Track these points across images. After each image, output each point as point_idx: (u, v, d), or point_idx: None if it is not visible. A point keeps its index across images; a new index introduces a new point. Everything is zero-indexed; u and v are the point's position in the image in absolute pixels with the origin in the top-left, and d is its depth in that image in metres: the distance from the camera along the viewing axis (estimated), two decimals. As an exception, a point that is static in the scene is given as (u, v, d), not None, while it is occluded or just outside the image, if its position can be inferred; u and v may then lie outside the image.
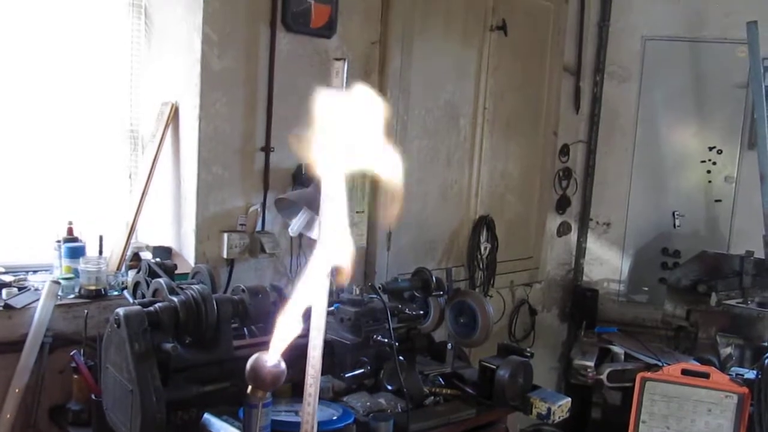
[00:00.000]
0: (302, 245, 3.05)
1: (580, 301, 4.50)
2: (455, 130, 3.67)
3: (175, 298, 2.06)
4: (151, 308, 1.99)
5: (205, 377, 2.07)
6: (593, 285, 4.59)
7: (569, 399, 2.66)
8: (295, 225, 2.69)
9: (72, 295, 2.54)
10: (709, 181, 4.43)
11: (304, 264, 3.07)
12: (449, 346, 2.84)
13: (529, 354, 2.71)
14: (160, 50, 2.92)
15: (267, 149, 2.91)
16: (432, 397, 2.61)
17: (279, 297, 2.29)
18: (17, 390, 2.28)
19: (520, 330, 4.31)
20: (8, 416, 2.26)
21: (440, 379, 2.75)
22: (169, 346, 1.93)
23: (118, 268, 2.72)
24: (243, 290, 2.23)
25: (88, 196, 2.92)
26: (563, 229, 4.57)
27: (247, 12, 2.79)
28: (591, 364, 3.43)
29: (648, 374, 3.06)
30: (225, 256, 2.82)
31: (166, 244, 2.90)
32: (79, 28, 2.81)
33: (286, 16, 2.87)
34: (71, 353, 2.25)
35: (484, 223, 3.86)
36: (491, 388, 2.60)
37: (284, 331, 1.00)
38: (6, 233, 2.75)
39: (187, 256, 2.83)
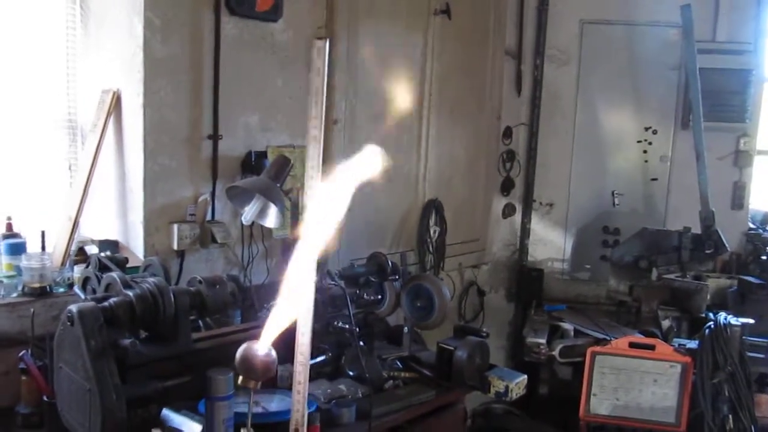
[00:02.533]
0: (253, 234, 3.00)
1: (526, 281, 4.60)
2: (402, 114, 3.67)
3: (130, 293, 1.99)
4: (106, 304, 1.93)
5: (164, 372, 2.02)
6: (538, 264, 4.70)
7: (525, 376, 2.72)
8: (249, 213, 2.64)
9: (15, 294, 2.42)
10: (646, 161, 4.58)
11: (256, 253, 3.03)
12: (406, 329, 2.86)
13: (485, 334, 2.75)
14: (98, 36, 2.80)
15: (215, 137, 2.84)
16: (391, 381, 2.63)
17: (237, 287, 2.25)
18: (-38, 395, 2.17)
19: (469, 311, 4.37)
20: (-48, 423, 2.15)
21: (398, 363, 2.77)
22: (127, 342, 1.87)
23: (63, 264, 2.62)
24: (200, 281, 2.17)
25: (27, 190, 2.79)
26: (508, 211, 4.65)
27: (189, -4, 2.70)
28: (543, 341, 3.52)
29: (598, 348, 3.17)
30: (175, 247, 2.75)
31: (111, 238, 2.80)
32: (13, 14, 2.66)
33: (231, 0, 2.80)
34: (20, 354, 2.15)
35: (433, 206, 3.89)
36: (450, 370, 2.63)
37: (276, 320, 0.97)
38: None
39: (135, 248, 2.74)
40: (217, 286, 2.18)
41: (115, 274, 2.08)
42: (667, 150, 4.56)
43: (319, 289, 2.41)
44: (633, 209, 4.60)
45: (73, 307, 1.87)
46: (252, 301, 2.57)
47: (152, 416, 1.99)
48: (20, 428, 2.16)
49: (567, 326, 3.59)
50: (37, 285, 2.44)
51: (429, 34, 3.73)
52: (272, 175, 2.67)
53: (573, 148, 4.65)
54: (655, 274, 3.67)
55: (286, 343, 2.27)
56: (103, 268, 2.32)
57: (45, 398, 2.07)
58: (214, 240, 2.82)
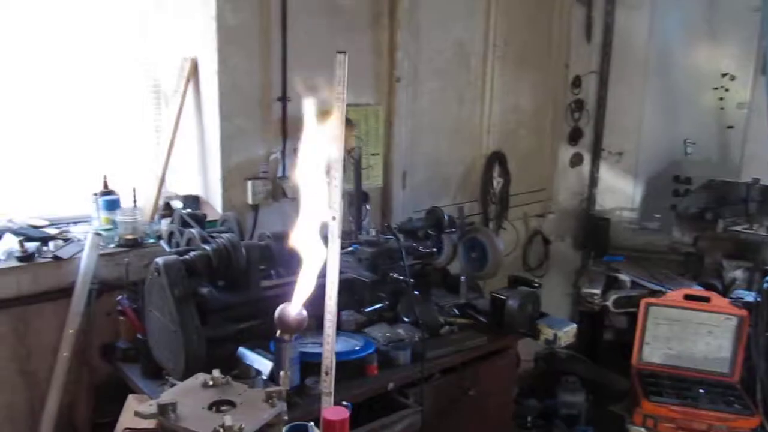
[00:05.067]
0: (322, 189, 3.21)
1: (592, 230, 4.65)
2: (466, 68, 3.75)
3: (207, 247, 2.25)
4: (187, 257, 2.20)
5: (238, 316, 2.29)
6: (606, 214, 4.73)
7: (575, 325, 2.85)
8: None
9: (112, 245, 2.75)
10: (722, 108, 4.46)
11: (324, 206, 3.24)
12: (462, 279, 3.03)
13: (536, 285, 2.89)
14: (178, 8, 3.02)
15: (284, 99, 3.04)
16: (447, 327, 2.82)
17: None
18: (71, 331, 2.52)
19: (533, 259, 4.49)
20: (65, 354, 2.52)
21: (455, 310, 2.95)
22: (205, 290, 2.14)
23: (152, 218, 2.92)
24: (268, 236, 2.42)
25: (120, 151, 3.09)
26: (576, 160, 4.68)
27: (257, -35, 2.87)
28: (598, 291, 3.61)
29: (651, 300, 3.24)
30: (250, 202, 3.00)
31: (194, 193, 3.09)
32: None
33: (296, -33, 2.95)
34: (117, 297, 2.48)
35: (496, 158, 3.99)
36: (502, 317, 2.80)
37: (302, 287, 1.18)
38: (46, 187, 2.94)
39: (215, 203, 3.02)
40: (284, 240, 2.41)
41: (194, 231, 2.35)
42: (744, 96, 4.42)
43: (375, 243, 2.61)
44: (706, 158, 4.52)
45: (160, 260, 2.16)
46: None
47: (229, 354, 2.27)
48: (120, 360, 2.51)
49: (623, 277, 3.66)
50: (130, 237, 2.76)
51: (494, -12, 3.76)
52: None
53: (644, 95, 4.58)
54: (720, 225, 3.65)
55: (345, 291, 2.50)
56: (184, 223, 2.61)
57: (139, 336, 2.39)
58: (285, 194, 3.05)
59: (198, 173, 3.10)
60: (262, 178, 3.03)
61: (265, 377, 2.30)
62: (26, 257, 2.54)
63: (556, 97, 4.39)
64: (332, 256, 1.22)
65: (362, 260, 2.59)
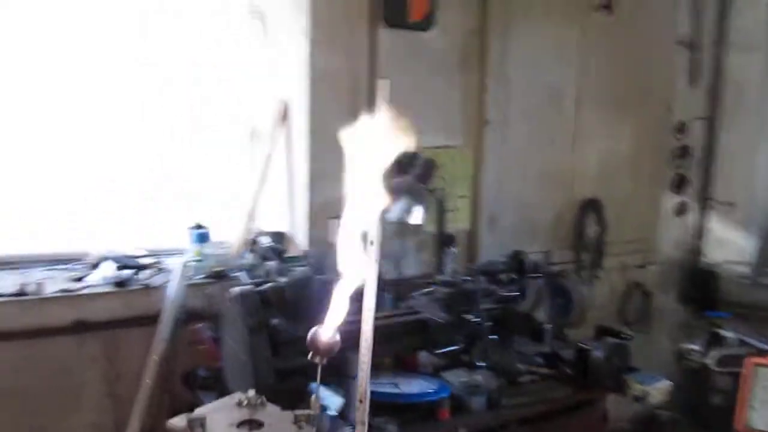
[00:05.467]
0: (406, 230, 3.22)
1: (699, 283, 4.35)
2: (558, 111, 3.68)
3: (282, 279, 2.30)
4: (262, 288, 2.25)
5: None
6: (714, 266, 4.42)
7: (668, 382, 2.66)
8: (395, 211, 2.85)
9: (200, 276, 2.86)
10: None
11: (408, 247, 3.24)
12: (546, 326, 2.91)
13: (626, 336, 2.73)
14: (275, 54, 3.18)
15: (370, 140, 3.09)
16: (527, 375, 2.71)
17: (379, 275, 2.47)
18: (155, 358, 2.63)
19: (632, 312, 4.24)
20: (148, 381, 2.62)
21: (538, 359, 2.83)
22: (276, 321, 2.17)
23: (240, 252, 3.03)
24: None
25: (216, 187, 3.25)
26: (680, 209, 4.43)
27: (348, 11, 2.97)
28: (699, 348, 3.36)
29: (760, 360, 2.96)
30: (332, 240, 3.04)
31: (281, 229, 3.18)
32: (205, 35, 3.11)
33: (386, 13, 3.03)
34: (197, 327, 2.57)
35: (591, 204, 3.85)
36: (586, 369, 2.66)
37: (336, 312, 1.17)
38: (148, 221, 3.12)
39: (300, 240, 3.09)
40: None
41: (272, 263, 2.41)
42: None
43: (452, 283, 2.57)
44: (829, 210, 4.16)
45: (236, 290, 2.22)
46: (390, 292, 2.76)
47: (299, 387, 2.28)
48: (199, 388, 2.57)
49: (728, 334, 3.38)
50: (217, 269, 2.87)
51: (588, 30, 3.69)
52: (418, 175, 2.86)
53: (758, 143, 4.30)
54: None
55: (419, 332, 2.47)
56: (266, 257, 2.68)
57: (216, 365, 2.46)
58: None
59: (286, 211, 3.19)
60: (346, 217, 3.07)
61: (333, 413, 2.30)
62: (120, 283, 2.70)
63: (657, 142, 4.20)
64: (370, 282, 1.20)
65: (437, 300, 2.55)
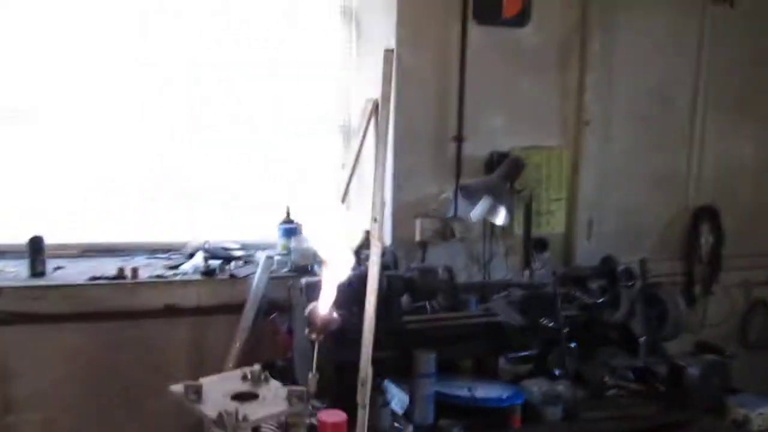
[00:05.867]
0: (494, 232, 3.13)
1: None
2: (669, 112, 3.43)
3: (350, 273, 2.30)
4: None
5: (374, 345, 2.28)
6: None
7: (775, 408, 2.38)
8: (477, 211, 2.78)
9: (285, 269, 2.93)
10: None
11: (498, 250, 3.14)
12: (641, 339, 2.71)
13: (728, 354, 2.48)
14: (365, 53, 3.22)
15: (459, 139, 3.04)
16: (615, 389, 2.54)
17: (449, 276, 2.42)
18: (237, 345, 2.72)
19: (754, 332, 3.85)
20: (230, 365, 2.71)
21: (628, 372, 2.64)
22: (339, 313, 2.17)
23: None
24: (414, 269, 2.40)
25: (309, 183, 3.32)
26: (818, 223, 3.96)
27: (438, 8, 2.94)
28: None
29: None
30: (417, 239, 3.02)
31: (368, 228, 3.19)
32: (300, 41, 3.20)
33: (477, 9, 2.97)
34: (271, 317, 2.63)
35: (707, 213, 3.55)
36: (681, 388, 2.44)
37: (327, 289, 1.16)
38: (244, 215, 3.25)
39: (386, 237, 3.08)
40: (430, 274, 2.38)
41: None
42: None
43: (529, 286, 2.45)
44: None
45: (304, 281, 2.25)
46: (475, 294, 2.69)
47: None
48: (275, 377, 2.63)
49: None
50: (301, 263, 2.92)
51: (705, 24, 3.41)
52: (503, 175, 2.78)
53: None
54: None
55: (491, 335, 2.38)
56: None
57: (288, 355, 2.50)
58: (453, 234, 3.02)
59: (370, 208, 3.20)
60: (431, 217, 3.03)
61: (398, 411, 2.26)
62: (208, 273, 2.82)
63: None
64: (374, 261, 1.18)
65: (513, 304, 2.45)
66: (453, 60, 2.99)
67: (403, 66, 2.93)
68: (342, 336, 2.20)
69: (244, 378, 1.22)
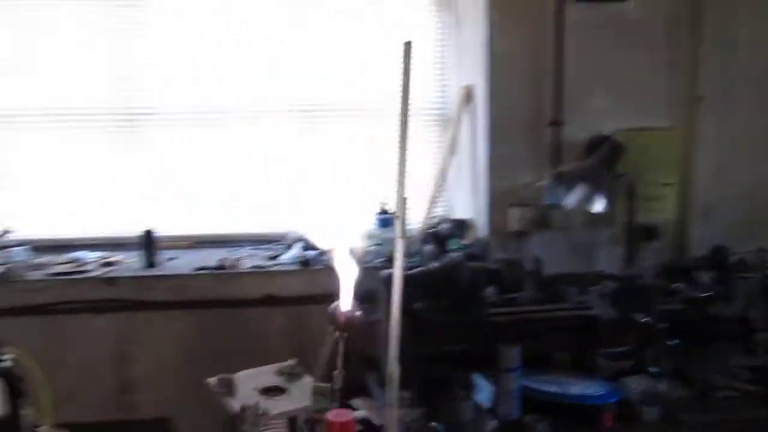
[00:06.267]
0: (596, 220, 2.96)
1: None
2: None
3: (434, 264, 2.28)
4: (410, 271, 2.25)
5: (456, 338, 2.25)
6: None
7: None
8: (572, 198, 2.65)
9: (380, 260, 2.95)
10: None
11: (597, 239, 2.99)
12: (760, 335, 2.47)
13: None
14: (460, 40, 3.16)
15: (556, 123, 2.91)
16: (727, 391, 2.33)
17: (536, 267, 2.33)
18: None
19: None
20: (325, 354, 2.78)
21: (745, 373, 2.42)
22: (417, 305, 2.16)
23: (423, 237, 3.06)
24: (500, 261, 2.34)
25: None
26: None
27: (531, -11, 2.83)
28: None
29: None
30: (512, 228, 2.93)
31: (466, 215, 3.15)
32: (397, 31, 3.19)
33: (575, -14, 2.82)
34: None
35: None
36: (803, 391, 2.21)
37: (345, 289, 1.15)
38: (344, 206, 3.31)
39: (481, 227, 3.03)
40: (515, 266, 2.31)
41: (427, 248, 2.40)
42: None
43: (623, 278, 2.31)
44: None
45: (384, 272, 2.26)
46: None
47: (445, 375, 2.24)
48: (371, 368, 2.65)
49: None
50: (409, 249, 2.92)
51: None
52: (600, 159, 2.63)
53: None
54: None
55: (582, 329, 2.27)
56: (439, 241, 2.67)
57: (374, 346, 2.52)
58: (550, 223, 2.91)
59: (470, 197, 3.15)
60: (527, 205, 2.93)
61: (484, 405, 2.22)
62: (305, 263, 2.91)
63: None
64: (397, 260, 1.16)
65: (604, 296, 2.31)
66: (548, 40, 2.86)
67: (495, 50, 2.85)
68: (422, 328, 2.20)
69: (280, 373, 1.25)
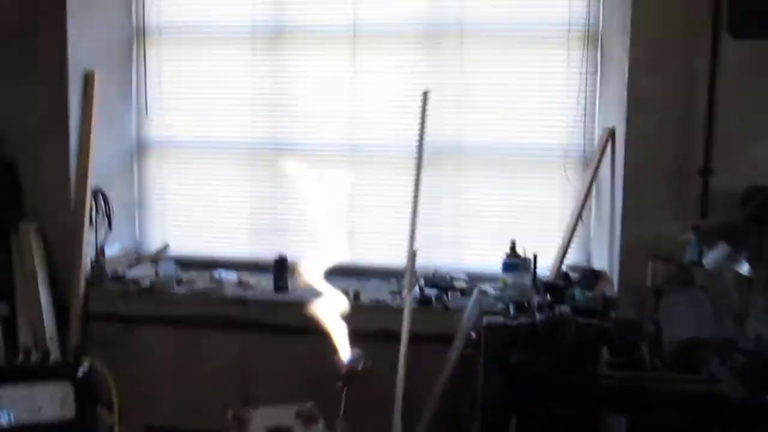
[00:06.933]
0: (752, 281, 2.62)
1: None
2: None
3: (539, 316, 2.16)
4: (513, 322, 2.15)
5: (555, 397, 2.10)
6: None
7: None
8: (711, 257, 2.37)
9: (502, 305, 2.84)
10: None
11: (752, 302, 2.63)
12: None
13: None
14: (605, 77, 2.99)
15: (706, 171, 2.64)
16: None
17: (656, 330, 2.12)
18: (444, 375, 2.71)
19: None
20: (436, 395, 2.72)
21: None
22: (515, 358, 2.05)
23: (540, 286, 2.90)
24: (617, 320, 2.16)
25: (540, 216, 3.18)
26: None
27: (679, 23, 2.61)
28: None
29: None
30: (648, 284, 2.68)
31: (599, 267, 2.95)
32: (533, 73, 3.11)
33: (733, 21, 2.56)
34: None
35: None
36: None
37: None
38: (476, 246, 3.25)
39: (614, 279, 2.81)
40: (631, 327, 2.11)
41: (536, 299, 2.27)
42: None
43: (756, 351, 2.01)
44: None
45: (486, 320, 2.18)
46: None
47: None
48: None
49: None
50: (518, 299, 2.80)
51: None
52: (750, 214, 2.33)
53: None
54: None
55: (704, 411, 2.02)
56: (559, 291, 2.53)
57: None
58: (694, 281, 2.62)
59: (605, 246, 2.95)
60: (667, 260, 2.66)
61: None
62: (424, 301, 2.89)
63: None
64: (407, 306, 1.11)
65: (733, 370, 2.03)
66: (700, 80, 2.62)
67: (637, 90, 2.66)
68: (523, 383, 2.08)
69: (297, 414, 1.25)
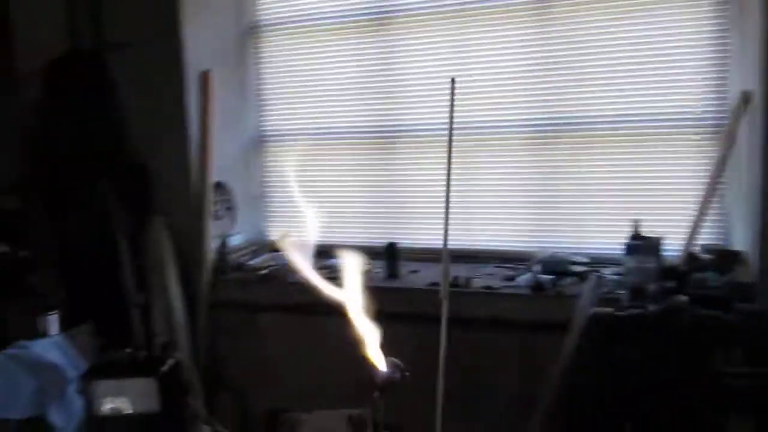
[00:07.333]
0: None
1: None
2: None
3: (651, 307, 1.97)
4: (621, 313, 1.98)
5: (664, 396, 1.91)
6: None
7: None
8: None
9: (621, 290, 2.63)
10: None
11: None
12: None
13: None
14: (743, 35, 2.65)
15: None
16: None
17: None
18: (559, 368, 2.56)
19: None
20: (549, 391, 2.58)
21: None
22: (618, 351, 1.89)
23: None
24: (743, 309, 1.91)
25: (669, 192, 2.90)
26: None
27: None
28: None
29: None
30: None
31: (739, 247, 2.64)
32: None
33: None
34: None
35: None
36: None
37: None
38: (599, 225, 3.04)
39: (752, 262, 2.50)
40: (756, 318, 1.86)
41: (651, 286, 2.08)
42: None
43: None
44: None
45: (592, 310, 2.02)
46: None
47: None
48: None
49: None
50: (639, 285, 2.58)
51: None
52: None
53: None
54: None
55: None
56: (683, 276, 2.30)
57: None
58: None
59: (745, 225, 2.62)
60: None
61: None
62: (537, 287, 2.75)
63: None
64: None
65: None
66: None
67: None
68: (623, 378, 1.93)
69: (348, 419, 1.21)
